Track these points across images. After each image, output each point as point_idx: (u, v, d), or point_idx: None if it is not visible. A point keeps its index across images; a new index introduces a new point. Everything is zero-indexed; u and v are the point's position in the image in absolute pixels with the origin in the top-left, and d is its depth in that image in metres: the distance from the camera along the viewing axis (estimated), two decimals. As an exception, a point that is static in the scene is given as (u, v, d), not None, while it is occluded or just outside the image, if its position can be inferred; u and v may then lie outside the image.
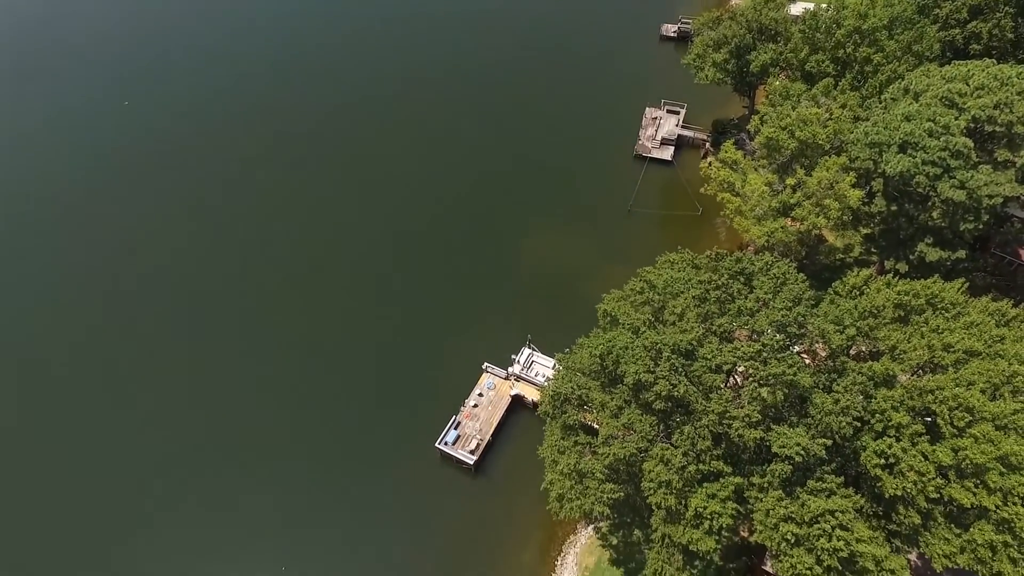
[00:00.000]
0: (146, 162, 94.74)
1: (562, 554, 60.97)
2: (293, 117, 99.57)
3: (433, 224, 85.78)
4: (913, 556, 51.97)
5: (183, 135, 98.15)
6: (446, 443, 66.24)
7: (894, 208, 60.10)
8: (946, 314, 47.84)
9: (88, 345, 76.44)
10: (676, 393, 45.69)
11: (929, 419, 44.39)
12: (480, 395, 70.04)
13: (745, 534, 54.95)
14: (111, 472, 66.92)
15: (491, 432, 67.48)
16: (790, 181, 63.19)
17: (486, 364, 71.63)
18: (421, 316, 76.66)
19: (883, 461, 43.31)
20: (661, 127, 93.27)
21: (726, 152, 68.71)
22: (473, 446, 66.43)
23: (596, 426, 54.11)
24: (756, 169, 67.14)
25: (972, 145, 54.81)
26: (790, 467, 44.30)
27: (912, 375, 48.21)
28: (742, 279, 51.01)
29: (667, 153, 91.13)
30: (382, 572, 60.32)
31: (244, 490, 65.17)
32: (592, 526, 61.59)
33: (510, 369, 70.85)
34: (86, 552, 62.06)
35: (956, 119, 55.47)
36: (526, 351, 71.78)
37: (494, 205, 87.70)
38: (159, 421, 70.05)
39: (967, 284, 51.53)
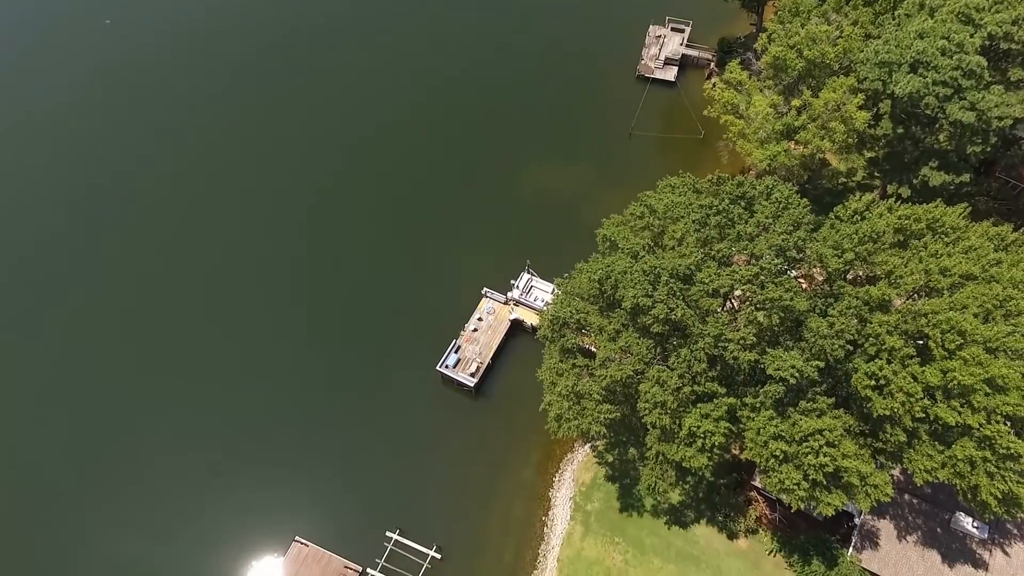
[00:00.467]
0: (135, 79, 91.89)
1: (560, 471, 63.39)
2: (287, 41, 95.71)
3: (431, 148, 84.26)
4: (896, 471, 54.13)
5: (170, 53, 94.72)
6: (447, 366, 67.61)
7: (900, 131, 58.98)
8: (945, 239, 47.83)
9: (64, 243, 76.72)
10: (673, 317, 46.29)
11: (921, 342, 45.18)
12: (480, 320, 70.94)
13: (736, 451, 57.07)
14: (106, 377, 68.63)
15: (491, 355, 68.76)
16: (795, 103, 61.70)
17: (485, 289, 72.18)
18: (420, 243, 76.55)
19: (873, 383, 44.33)
20: (665, 46, 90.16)
21: (731, 72, 66.72)
22: (473, 369, 67.85)
23: (594, 349, 55.10)
24: (761, 90, 65.43)
25: (986, 64, 53.19)
26: (783, 388, 45.44)
27: (907, 299, 48.71)
28: (743, 203, 50.71)
29: (670, 74, 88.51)
30: (384, 491, 62.78)
31: (243, 412, 66.91)
32: (589, 445, 63.78)
33: (509, 294, 71.46)
34: (88, 453, 64.48)
35: (971, 36, 53.59)
36: (525, 276, 72.19)
37: (492, 129, 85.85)
38: (157, 343, 71.14)
39: (969, 209, 51.26)
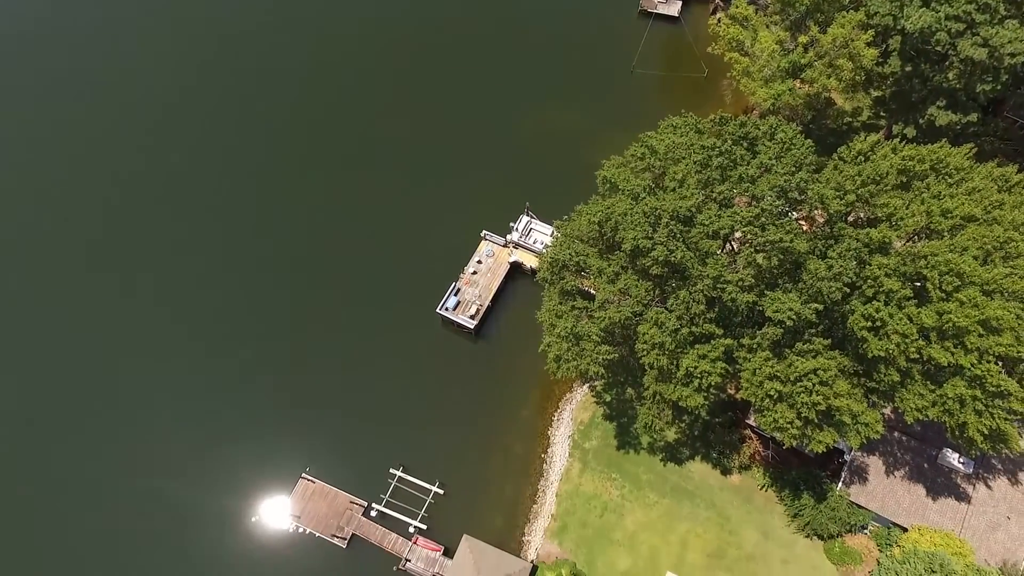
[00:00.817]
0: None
1: (559, 410, 64.77)
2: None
3: (430, 88, 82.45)
4: (887, 410, 55.38)
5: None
6: (447, 309, 68.11)
7: (909, 69, 57.65)
8: (949, 180, 47.43)
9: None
10: (673, 259, 46.36)
11: (919, 283, 45.41)
12: (479, 262, 71.03)
13: (732, 391, 58.13)
14: (111, 311, 69.47)
15: (490, 298, 69.18)
16: (802, 39, 60.05)
17: (484, 232, 71.98)
18: (419, 185, 75.85)
19: (870, 324, 44.77)
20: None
21: (737, 7, 64.63)
22: (473, 311, 68.38)
23: (593, 291, 55.41)
24: (768, 26, 63.56)
25: (1001, -3, 51.60)
26: (781, 331, 45.91)
27: (907, 241, 48.70)
28: (745, 144, 50.04)
29: (674, 8, 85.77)
30: (387, 430, 64.24)
31: (248, 355, 67.76)
32: (587, 385, 64.95)
33: (508, 236, 71.32)
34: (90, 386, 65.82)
35: (987, -33, 51.75)
36: (524, 218, 71.88)
37: (490, 67, 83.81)
38: (165, 279, 71.39)
39: (974, 149, 50.63)
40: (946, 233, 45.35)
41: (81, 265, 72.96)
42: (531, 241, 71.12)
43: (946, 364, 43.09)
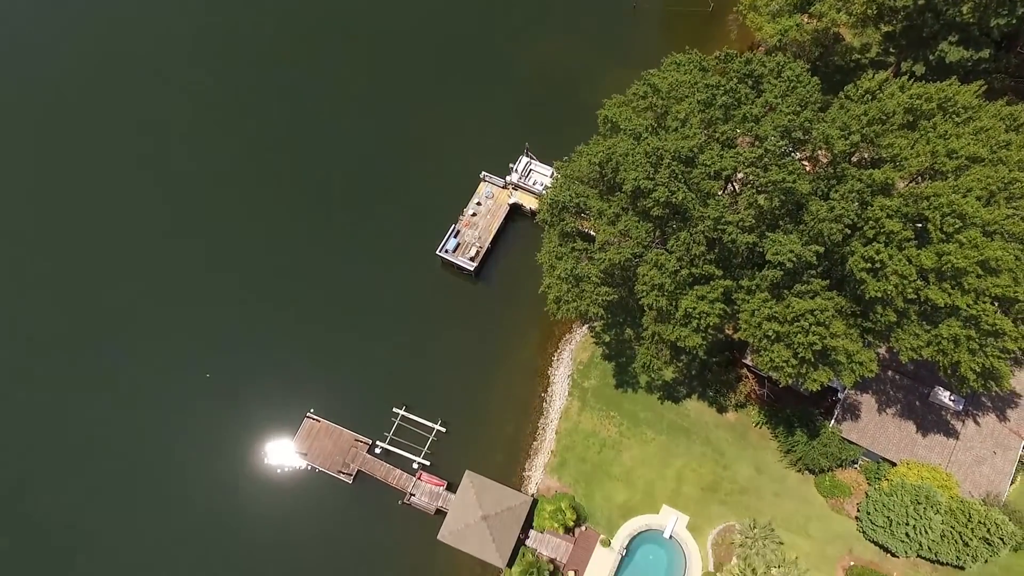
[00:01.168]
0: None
1: (558, 351, 65.69)
2: None
3: (427, 26, 79.98)
4: (882, 350, 56.23)
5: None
6: (446, 251, 68.14)
7: (922, 2, 55.84)
8: (956, 119, 46.67)
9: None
10: (674, 200, 46.12)
11: (920, 225, 45.33)
12: (478, 204, 70.63)
13: (729, 332, 58.86)
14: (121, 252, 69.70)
15: (490, 239, 69.13)
16: (813, -30, 58.07)
17: (484, 173, 71.28)
18: (416, 126, 74.57)
19: (869, 266, 44.89)
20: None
21: (746, -65, 62.19)
22: (473, 253, 68.44)
23: (593, 233, 55.33)
24: (777, -44, 61.29)
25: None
26: (780, 273, 46.07)
27: (911, 182, 48.33)
28: (750, 82, 49.00)
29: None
30: (390, 371, 65.32)
31: (250, 299, 68.14)
32: (587, 326, 65.67)
33: (508, 178, 70.67)
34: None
35: None
36: (524, 159, 71.05)
37: (489, 3, 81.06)
38: (177, 216, 71.17)
39: (984, 87, 49.63)
40: (950, 174, 44.94)
41: (79, 191, 72.18)
42: (531, 182, 70.51)
43: (943, 305, 43.45)
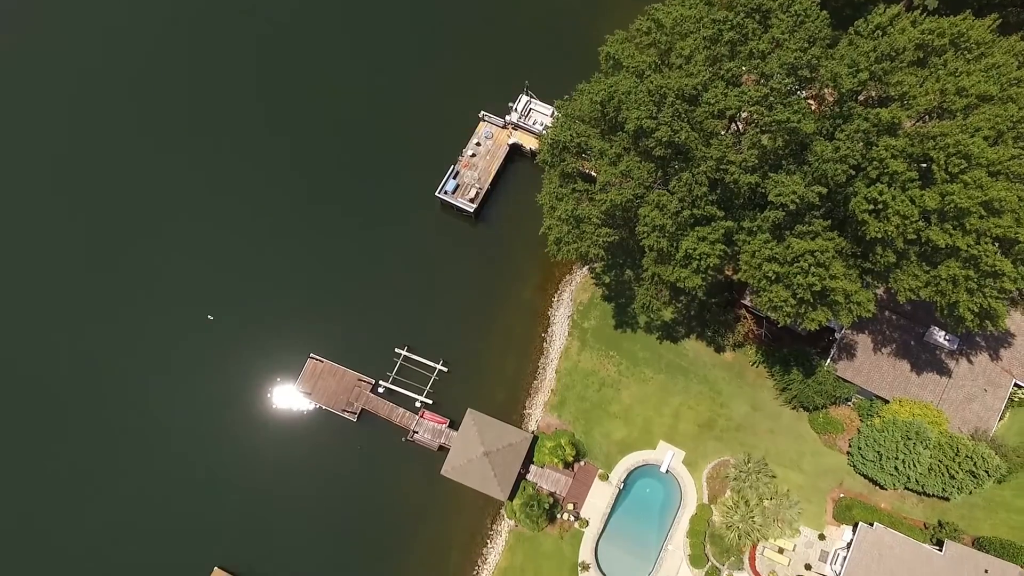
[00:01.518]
0: None
1: (559, 292, 66.09)
2: None
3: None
4: (880, 291, 56.63)
5: None
6: (446, 192, 67.59)
7: (937, -71, 53.66)
8: (968, 55, 45.51)
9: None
10: (677, 140, 45.49)
11: (925, 165, 44.87)
12: (478, 144, 69.60)
13: (729, 272, 59.08)
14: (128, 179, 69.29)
15: (489, 180, 68.47)
16: None
17: (483, 113, 69.93)
18: (414, 66, 72.60)
19: (872, 207, 44.66)
20: None
21: None
22: (472, 195, 67.91)
23: (594, 174, 54.78)
24: None
25: None
26: (782, 214, 45.89)
27: (917, 121, 47.55)
28: (758, 17, 47.51)
29: None
30: (391, 312, 65.79)
31: (250, 242, 67.94)
32: (587, 267, 65.86)
33: (508, 118, 69.38)
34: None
35: None
36: (524, 99, 69.58)
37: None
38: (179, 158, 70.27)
39: (999, 20, 48.17)
40: (959, 113, 44.17)
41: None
42: (531, 122, 69.30)
43: (943, 246, 43.50)
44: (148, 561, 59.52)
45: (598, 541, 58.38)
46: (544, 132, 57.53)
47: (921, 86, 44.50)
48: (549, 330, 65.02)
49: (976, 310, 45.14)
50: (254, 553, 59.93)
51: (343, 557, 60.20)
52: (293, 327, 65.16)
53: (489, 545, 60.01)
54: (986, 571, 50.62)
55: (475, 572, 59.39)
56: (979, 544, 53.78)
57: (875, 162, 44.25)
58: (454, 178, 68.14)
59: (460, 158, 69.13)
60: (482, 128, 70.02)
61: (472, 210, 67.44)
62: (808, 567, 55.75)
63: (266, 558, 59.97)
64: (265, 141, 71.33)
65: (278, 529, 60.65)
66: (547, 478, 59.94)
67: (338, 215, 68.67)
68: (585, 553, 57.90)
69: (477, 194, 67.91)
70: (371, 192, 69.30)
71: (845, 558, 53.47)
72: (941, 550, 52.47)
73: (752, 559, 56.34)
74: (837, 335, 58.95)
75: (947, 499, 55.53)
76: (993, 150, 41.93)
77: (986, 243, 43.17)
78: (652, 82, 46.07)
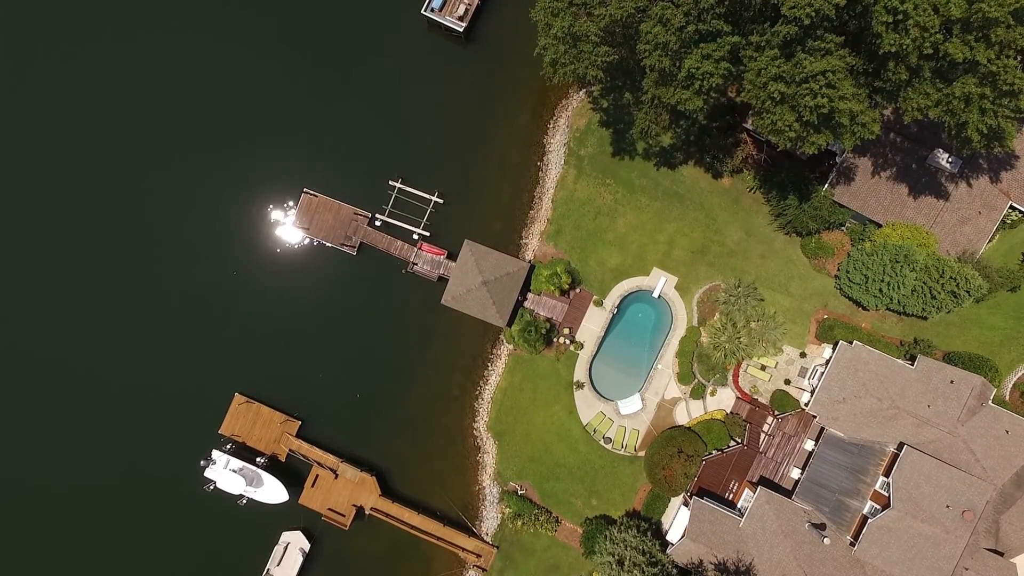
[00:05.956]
0: None
1: (555, 117, 63.68)
2: None
3: None
4: (888, 111, 54.57)
5: None
6: (432, 9, 62.47)
7: None
8: None
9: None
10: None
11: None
12: (466, -48, 63.09)
13: (732, 94, 56.50)
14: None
15: (480, -5, 63.11)
16: None
17: (470, -88, 62.60)
18: None
19: (891, 19, 41.51)
20: None
21: None
22: (461, 12, 62.88)
23: (593, -15, 50.14)
24: None
25: None
26: (796, 28, 42.72)
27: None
28: None
29: None
30: (382, 142, 63.80)
31: (232, 77, 64.07)
32: (584, 91, 62.88)
33: (498, -82, 62.25)
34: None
35: None
36: None
37: None
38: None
39: None
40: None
41: None
42: (524, -77, 62.29)
43: (961, 60, 41.08)
44: (172, 391, 63.29)
45: (592, 362, 61.84)
46: (538, -65, 51.72)
47: None
48: (545, 158, 63.61)
49: (985, 130, 43.78)
50: (270, 380, 63.74)
51: (354, 381, 64.00)
52: (281, 162, 63.66)
53: (490, 368, 63.61)
54: (951, 381, 54.10)
55: (477, 392, 63.57)
56: (949, 358, 57.05)
57: (900, -35, 40.32)
58: (441, -8, 62.67)
59: (447, -30, 63.06)
60: (470, -68, 63.08)
61: (461, 29, 62.84)
62: (788, 382, 59.56)
63: (281, 384, 63.89)
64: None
65: (290, 358, 63.89)
66: (544, 305, 62.07)
67: (316, 38, 64.05)
68: (580, 373, 61.62)
69: (466, 11, 62.86)
70: (351, 12, 64.04)
71: (823, 374, 56.93)
72: (913, 364, 55.74)
73: (736, 376, 60.06)
74: (838, 159, 57.86)
75: (925, 318, 57.84)
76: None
77: (1007, 58, 40.74)
78: None
